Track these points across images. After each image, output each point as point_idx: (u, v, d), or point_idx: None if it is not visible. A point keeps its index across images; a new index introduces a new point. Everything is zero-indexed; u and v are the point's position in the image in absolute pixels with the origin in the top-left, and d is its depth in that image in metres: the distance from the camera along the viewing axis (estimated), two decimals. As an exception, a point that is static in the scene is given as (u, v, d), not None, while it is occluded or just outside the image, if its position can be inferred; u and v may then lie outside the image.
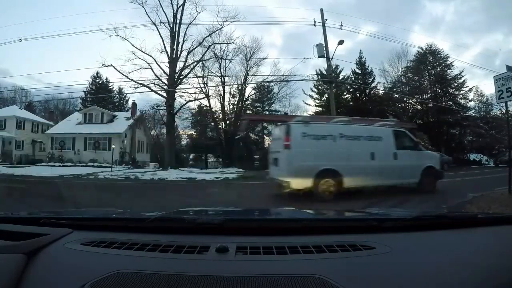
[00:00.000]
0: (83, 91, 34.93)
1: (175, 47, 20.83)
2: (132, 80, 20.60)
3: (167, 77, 21.01)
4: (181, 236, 0.99)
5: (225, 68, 27.47)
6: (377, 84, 27.98)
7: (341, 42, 17.47)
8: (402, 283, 0.74)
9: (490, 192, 6.49)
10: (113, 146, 21.39)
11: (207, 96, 26.55)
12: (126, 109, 35.23)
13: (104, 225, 1.15)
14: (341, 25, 18.96)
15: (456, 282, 0.75)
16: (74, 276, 0.76)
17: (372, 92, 27.58)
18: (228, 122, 29.71)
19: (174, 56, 20.87)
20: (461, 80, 26.22)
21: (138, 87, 21.06)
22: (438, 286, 0.74)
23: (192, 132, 36.81)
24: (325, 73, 24.43)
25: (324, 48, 17.87)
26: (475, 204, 5.31)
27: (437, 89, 26.37)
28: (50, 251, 0.91)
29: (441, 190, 7.49)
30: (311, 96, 32.53)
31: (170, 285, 0.71)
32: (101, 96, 34.30)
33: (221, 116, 30.07)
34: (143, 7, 19.96)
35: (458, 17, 54.40)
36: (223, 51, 25.05)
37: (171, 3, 20.69)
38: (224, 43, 23.64)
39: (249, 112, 34.43)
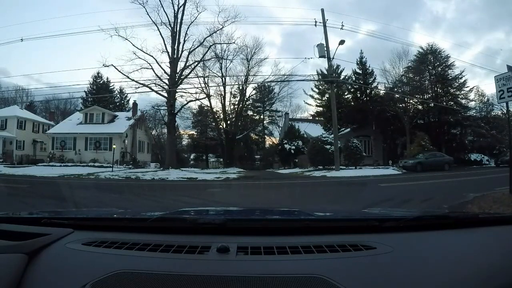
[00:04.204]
0: (84, 91, 35.13)
1: (176, 47, 20.83)
2: (133, 80, 20.63)
3: (168, 77, 21.02)
4: (182, 236, 0.99)
5: (226, 68, 27.57)
6: (377, 84, 27.91)
7: (342, 42, 17.51)
8: (403, 283, 0.74)
9: (491, 192, 6.45)
10: (114, 146, 21.42)
11: (208, 96, 26.61)
12: (127, 109, 35.29)
13: (105, 225, 1.15)
14: (342, 25, 19.00)
15: (457, 282, 0.75)
16: (75, 276, 0.76)
17: (373, 92, 27.50)
18: (229, 122, 29.72)
19: (175, 56, 20.88)
20: (462, 80, 26.14)
21: (139, 87, 21.08)
22: (439, 286, 0.73)
23: (193, 132, 36.98)
24: (326, 73, 24.41)
25: (325, 48, 17.90)
26: (476, 204, 5.28)
27: (438, 89, 26.27)
28: (51, 251, 0.91)
29: (442, 190, 7.46)
30: (312, 96, 32.65)
31: (171, 285, 0.71)
32: (102, 96, 34.35)
33: (222, 116, 30.11)
34: (144, 7, 19.97)
35: (459, 15, 54.48)
36: (224, 51, 25.14)
37: (172, 3, 20.70)
38: (225, 43, 23.66)
39: (249, 112, 34.52)
